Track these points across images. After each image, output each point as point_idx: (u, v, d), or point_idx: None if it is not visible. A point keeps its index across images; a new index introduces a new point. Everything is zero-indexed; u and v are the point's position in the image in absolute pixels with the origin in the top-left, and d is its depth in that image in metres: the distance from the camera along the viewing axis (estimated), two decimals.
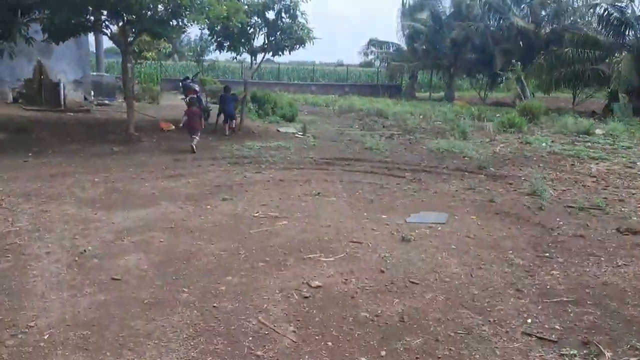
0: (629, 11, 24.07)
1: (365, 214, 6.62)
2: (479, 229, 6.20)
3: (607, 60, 24.26)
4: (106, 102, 18.35)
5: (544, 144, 13.53)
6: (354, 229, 5.97)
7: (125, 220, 6.08)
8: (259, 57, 13.37)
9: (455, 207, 7.12)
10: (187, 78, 14.66)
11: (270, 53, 13.15)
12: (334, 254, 5.17)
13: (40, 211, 6.30)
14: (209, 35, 13.26)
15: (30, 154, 9.82)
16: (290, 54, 13.05)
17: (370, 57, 41.75)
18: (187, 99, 13.62)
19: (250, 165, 9.59)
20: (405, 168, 9.85)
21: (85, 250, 5.07)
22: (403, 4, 37.53)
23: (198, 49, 33.60)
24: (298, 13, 12.51)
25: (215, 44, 13.65)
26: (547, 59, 25.77)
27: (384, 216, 6.52)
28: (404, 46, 38.46)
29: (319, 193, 7.49)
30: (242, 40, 12.99)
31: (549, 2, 28.53)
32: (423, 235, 5.87)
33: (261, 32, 12.97)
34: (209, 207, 6.69)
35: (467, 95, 38.20)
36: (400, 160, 10.74)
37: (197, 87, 14.18)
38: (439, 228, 6.17)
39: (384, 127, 17.22)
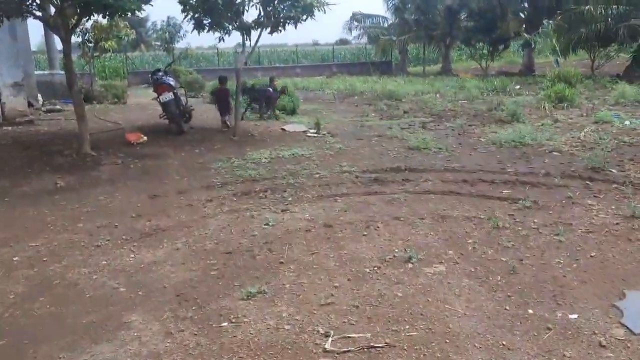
0: None
1: (530, 311, 3.42)
2: None
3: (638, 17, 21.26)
4: (57, 107, 14.73)
5: (627, 122, 10.48)
6: None
7: None
8: (254, 35, 9.93)
9: None
10: (159, 70, 11.17)
11: (268, 29, 9.75)
12: None
13: None
14: (182, 11, 9.80)
15: None
16: (296, 27, 9.67)
17: (355, 32, 38.32)
18: (161, 97, 10.22)
19: (267, 196, 6.31)
20: (493, 180, 6.68)
21: None
22: None
23: (166, 35, 29.76)
24: None
25: (191, 22, 10.20)
26: (565, 18, 22.74)
27: (572, 317, 3.33)
28: (390, 18, 35.14)
29: (410, 258, 4.26)
30: (229, 14, 9.60)
31: None
32: None
33: (254, 2, 9.59)
34: (225, 324, 3.40)
35: (464, 67, 35.14)
36: (470, 164, 7.58)
37: (172, 81, 10.71)
38: None
39: (405, 112, 14.03)
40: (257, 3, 9.73)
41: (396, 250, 4.48)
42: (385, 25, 36.05)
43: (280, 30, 10.04)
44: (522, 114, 11.69)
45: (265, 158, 8.40)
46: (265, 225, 5.26)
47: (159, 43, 35.68)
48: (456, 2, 29.25)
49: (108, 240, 5.02)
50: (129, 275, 4.22)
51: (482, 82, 19.96)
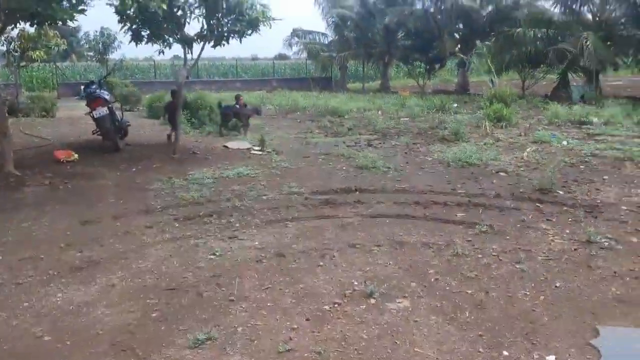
0: None
1: (506, 353, 3.19)
2: None
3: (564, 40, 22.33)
4: None
5: (564, 142, 10.78)
6: None
7: None
8: (196, 48, 9.46)
9: (624, 298, 3.90)
10: (92, 83, 10.44)
11: (212, 43, 9.31)
12: None
13: None
14: (119, 22, 9.20)
15: None
16: (240, 42, 9.29)
17: (295, 48, 38.31)
18: (95, 112, 9.56)
19: (213, 222, 5.87)
20: (446, 202, 6.55)
21: None
22: None
23: (99, 46, 28.39)
24: None
25: (128, 34, 9.60)
26: (499, 40, 23.65)
27: (549, 358, 3.12)
28: (330, 35, 35.38)
29: (371, 293, 3.97)
30: (169, 26, 9.10)
31: None
32: None
33: (197, 14, 9.16)
34: None
35: (402, 84, 35.83)
36: (420, 185, 7.44)
37: (106, 95, 10.02)
38: None
39: (349, 129, 13.92)
40: (200, 16, 9.29)
41: (355, 283, 4.18)
42: (326, 42, 36.28)
43: (224, 44, 9.63)
44: (465, 133, 11.81)
45: (209, 178, 7.94)
46: (211, 255, 4.83)
47: (91, 54, 34.05)
48: (394, 22, 29.76)
49: (31, 276, 4.44)
50: (56, 319, 3.69)
51: (422, 100, 20.25)
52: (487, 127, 12.39)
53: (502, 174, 8.15)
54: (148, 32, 9.49)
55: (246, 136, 12.16)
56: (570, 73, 23.23)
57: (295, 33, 35.73)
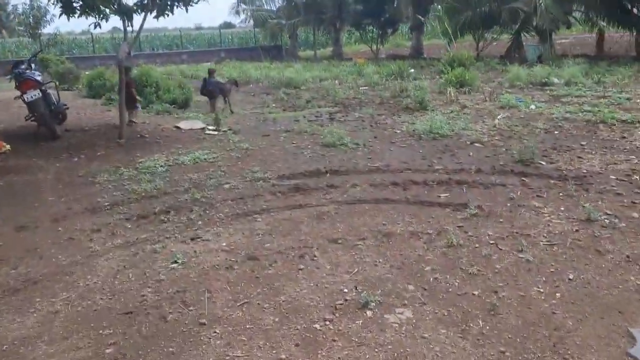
0: None
1: None
2: None
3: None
4: None
5: (532, 106, 10.47)
6: None
7: None
8: (136, 20, 8.46)
9: None
10: (21, 62, 9.31)
11: (154, 13, 8.35)
12: None
13: None
14: None
15: None
16: (187, 11, 8.36)
17: (242, 16, 36.93)
18: (26, 96, 8.49)
19: (170, 219, 5.16)
20: (425, 180, 6.05)
21: None
22: None
23: (30, 20, 26.31)
24: None
25: (58, 5, 8.52)
26: (453, 1, 23.22)
27: None
28: (278, 1, 34.21)
29: (366, 303, 3.41)
30: None
31: None
32: None
33: None
34: None
35: (354, 50, 35.13)
36: (395, 162, 6.91)
37: (38, 76, 8.94)
38: None
39: (308, 102, 13.24)
40: None
41: (345, 291, 3.61)
42: (274, 8, 35.08)
43: (167, 15, 8.69)
44: (429, 101, 11.34)
45: (161, 166, 7.15)
46: (173, 263, 4.15)
47: (22, 28, 31.72)
48: None
49: None
50: None
51: (378, 67, 19.67)
52: (452, 94, 11.95)
53: (477, 144, 7.71)
54: (80, 2, 8.44)
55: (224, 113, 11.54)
56: (523, 33, 23.12)
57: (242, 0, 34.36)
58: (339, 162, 7.09)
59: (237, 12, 36.06)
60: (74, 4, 8.48)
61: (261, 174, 6.60)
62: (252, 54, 33.34)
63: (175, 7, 8.28)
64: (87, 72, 18.67)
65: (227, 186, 6.17)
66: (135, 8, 8.23)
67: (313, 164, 7.06)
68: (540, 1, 19.42)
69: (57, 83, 11.59)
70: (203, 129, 9.81)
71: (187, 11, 8.33)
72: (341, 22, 31.98)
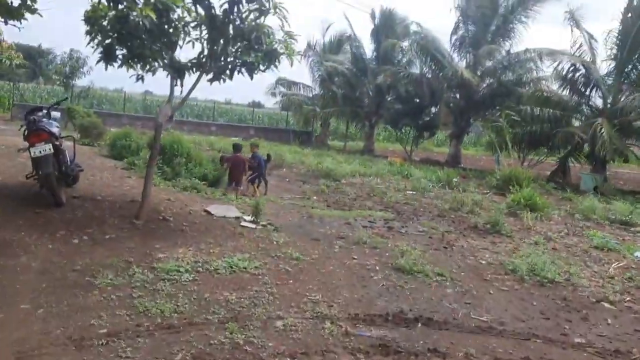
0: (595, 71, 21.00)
1: None
2: None
3: (575, 124, 20.86)
4: None
5: (637, 254, 8.58)
6: None
7: None
8: (188, 80, 6.90)
9: None
10: (39, 109, 7.73)
11: (209, 75, 6.82)
12: None
13: None
14: (87, 33, 6.66)
15: None
16: (252, 78, 6.82)
17: (278, 98, 36.44)
18: (33, 150, 6.77)
19: None
20: None
21: None
22: (310, 44, 32.85)
23: (66, 69, 25.60)
24: (270, 4, 6.42)
25: (98, 51, 7.02)
26: (505, 115, 22.09)
27: None
28: (315, 89, 33.68)
29: None
30: (156, 46, 6.60)
31: (496, 52, 25.02)
32: None
33: (194, 36, 6.73)
34: None
35: (382, 147, 34.10)
36: (507, 318, 4.98)
37: (55, 128, 7.29)
38: None
39: (353, 200, 11.59)
40: (201, 38, 6.85)
41: None
42: (310, 94, 34.56)
43: (224, 80, 7.15)
44: (503, 224, 9.52)
45: (187, 270, 5.26)
46: None
47: (58, 77, 31.25)
48: (387, 82, 28.23)
49: None
50: None
51: (422, 171, 18.22)
52: (529, 220, 10.14)
53: (606, 304, 5.77)
54: (124, 51, 6.96)
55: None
56: (570, 159, 21.80)
57: (280, 82, 33.90)
58: (426, 302, 5.18)
59: (273, 94, 35.58)
60: (116, 52, 7.01)
61: (325, 307, 4.69)
62: (281, 135, 32.58)
63: (237, 72, 6.76)
64: (112, 129, 17.35)
65: (280, 324, 4.24)
66: (190, 65, 6.72)
67: (392, 299, 5.15)
68: (602, 130, 18.07)
69: (77, 137, 10.03)
70: (238, 218, 8.01)
71: (251, 78, 6.79)
72: (377, 118, 31.14)
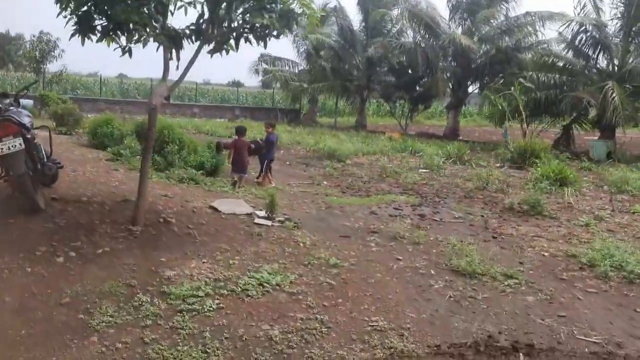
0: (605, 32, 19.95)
1: None
2: None
3: (581, 88, 19.81)
4: None
5: None
6: None
7: None
8: (188, 50, 5.60)
9: None
10: (5, 96, 6.36)
11: (212, 44, 5.54)
12: None
13: None
14: (57, 2, 5.32)
15: None
16: (265, 45, 5.56)
17: (261, 75, 34.85)
18: (1, 146, 5.46)
19: None
20: None
21: None
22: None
23: (36, 53, 23.75)
24: None
25: (72, 22, 5.68)
26: (508, 83, 21.00)
27: None
28: (301, 64, 32.21)
29: None
30: (144, 10, 5.30)
31: (495, 17, 23.82)
32: None
33: None
34: None
35: (372, 122, 32.93)
36: (619, 335, 3.94)
37: (26, 118, 5.98)
38: None
39: (367, 183, 10.49)
40: (194, 2, 5.54)
41: None
42: (296, 70, 33.08)
43: (227, 51, 5.87)
44: (544, 204, 8.48)
45: (207, 294, 4.09)
46: None
47: (27, 62, 29.25)
48: (378, 54, 26.94)
49: None
50: None
51: (426, 146, 17.16)
52: (570, 197, 9.12)
53: None
54: (104, 20, 5.65)
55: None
56: (575, 126, 20.86)
57: (263, 58, 32.32)
58: (512, 319, 4.10)
59: (257, 71, 34.00)
60: (93, 23, 5.69)
61: (396, 338, 3.60)
62: (268, 114, 31.23)
63: (244, 39, 5.51)
64: (90, 116, 15.92)
65: None
66: (188, 33, 5.43)
67: (469, 317, 4.07)
68: (614, 95, 17.07)
69: (52, 127, 8.70)
70: (250, 214, 6.83)
71: (265, 46, 5.55)
72: (369, 92, 29.89)
